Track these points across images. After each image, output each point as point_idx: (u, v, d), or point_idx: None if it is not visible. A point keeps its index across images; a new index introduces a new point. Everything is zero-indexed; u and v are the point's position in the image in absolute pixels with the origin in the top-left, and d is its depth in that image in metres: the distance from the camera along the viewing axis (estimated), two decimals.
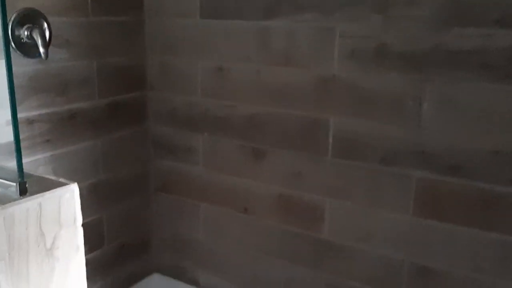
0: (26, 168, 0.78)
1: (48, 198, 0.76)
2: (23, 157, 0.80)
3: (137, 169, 1.83)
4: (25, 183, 0.76)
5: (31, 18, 1.37)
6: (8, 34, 1.17)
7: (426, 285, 1.39)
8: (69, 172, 1.56)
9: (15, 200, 0.74)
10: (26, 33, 1.35)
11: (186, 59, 1.71)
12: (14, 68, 0.79)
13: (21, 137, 0.83)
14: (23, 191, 0.75)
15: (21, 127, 1.37)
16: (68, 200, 0.78)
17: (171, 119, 1.78)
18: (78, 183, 0.82)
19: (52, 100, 1.48)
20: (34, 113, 1.44)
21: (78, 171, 1.59)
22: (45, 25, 1.41)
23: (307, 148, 1.50)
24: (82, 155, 1.60)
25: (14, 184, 0.76)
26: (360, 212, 1.45)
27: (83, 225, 0.82)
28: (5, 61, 0.78)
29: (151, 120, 1.83)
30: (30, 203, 0.75)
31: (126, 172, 1.79)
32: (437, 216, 1.34)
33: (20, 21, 1.34)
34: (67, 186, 0.79)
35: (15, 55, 1.35)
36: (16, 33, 1.34)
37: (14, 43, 1.34)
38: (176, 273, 1.91)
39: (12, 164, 0.80)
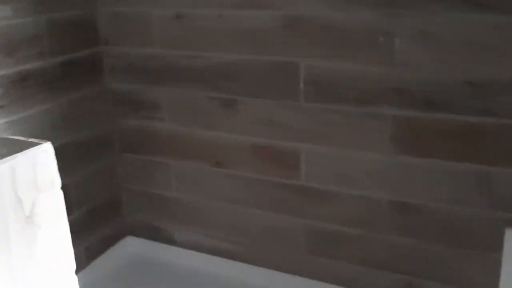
0: None
1: (21, 160, 0.68)
2: None
3: (100, 131, 1.74)
4: None
5: None
6: None
7: (406, 221, 1.42)
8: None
9: None
10: None
11: (140, 8, 1.60)
12: None
13: None
14: None
15: None
16: (43, 162, 0.71)
17: (130, 74, 1.68)
18: None
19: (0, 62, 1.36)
20: None
21: (37, 137, 1.48)
22: None
23: (279, 95, 1.46)
24: (39, 119, 1.49)
25: None
26: (337, 155, 1.44)
27: None
28: None
29: (109, 77, 1.72)
30: (1, 167, 0.67)
31: (88, 134, 1.69)
32: (414, 152, 1.35)
33: None
34: (40, 146, 0.72)
35: None
36: None
37: None
38: (151, 234, 1.86)
39: None
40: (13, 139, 0.75)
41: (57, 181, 0.75)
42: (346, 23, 1.32)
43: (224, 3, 1.46)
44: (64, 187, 0.77)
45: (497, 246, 1.32)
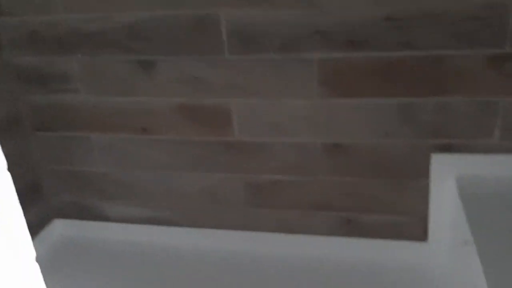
0: None
1: None
2: None
3: (6, 111, 1.57)
4: None
5: None
6: None
7: (339, 161, 1.46)
8: None
9: None
10: None
11: None
12: None
13: None
14: None
15: None
16: None
17: (33, 46, 1.53)
18: None
19: None
20: None
21: None
22: None
23: (201, 50, 1.41)
24: None
25: None
26: (267, 106, 1.43)
27: None
28: None
29: (9, 51, 1.55)
30: None
31: None
32: (342, 93, 1.37)
33: None
34: None
35: None
36: None
37: None
38: (80, 214, 1.76)
39: None
40: None
41: (2, 161, 0.65)
42: None
43: None
44: None
45: (425, 172, 1.41)
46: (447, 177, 1.39)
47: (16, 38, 1.53)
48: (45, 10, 1.47)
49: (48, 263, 1.67)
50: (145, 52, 1.45)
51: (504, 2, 1.18)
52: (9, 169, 1.54)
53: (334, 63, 1.34)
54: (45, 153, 1.69)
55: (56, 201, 1.77)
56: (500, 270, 1.03)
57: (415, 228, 1.50)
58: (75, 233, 1.79)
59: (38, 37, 1.51)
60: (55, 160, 1.69)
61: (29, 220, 1.68)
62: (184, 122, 1.52)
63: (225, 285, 1.51)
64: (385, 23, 1.26)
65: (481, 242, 1.11)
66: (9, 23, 1.51)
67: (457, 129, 1.35)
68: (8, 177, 0.66)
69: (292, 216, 1.58)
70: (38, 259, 1.62)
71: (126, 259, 1.66)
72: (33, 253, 0.65)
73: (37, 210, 1.72)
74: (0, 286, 0.56)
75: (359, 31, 1.29)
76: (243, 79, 1.41)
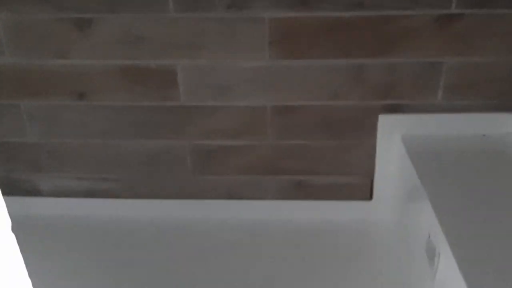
0: None
1: None
2: None
3: None
4: None
5: None
6: None
7: (289, 123, 1.45)
8: None
9: None
10: None
11: None
12: None
13: None
14: None
15: None
16: None
17: None
18: None
19: None
20: None
21: None
22: None
23: (144, 6, 1.31)
24: None
25: None
26: (216, 67, 1.38)
27: None
28: None
29: None
30: None
31: None
32: (293, 55, 1.35)
33: None
34: None
35: None
36: None
37: None
38: (10, 189, 1.61)
39: None
40: None
41: None
42: None
43: None
44: None
45: (373, 132, 1.44)
46: (393, 137, 1.43)
47: None
48: None
49: None
50: (81, 9, 1.33)
51: None
52: None
53: (285, 23, 1.30)
54: None
55: None
56: (455, 219, 1.07)
57: (362, 188, 1.54)
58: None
59: None
60: None
61: None
62: (125, 86, 1.42)
63: (174, 256, 1.46)
64: None
65: (433, 195, 1.16)
66: None
67: (403, 90, 1.38)
68: None
69: (242, 182, 1.56)
70: None
71: (64, 236, 1.55)
72: (9, 223, 0.57)
73: None
74: None
75: None
76: (190, 39, 1.34)
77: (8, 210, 1.71)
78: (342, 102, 1.41)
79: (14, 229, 0.54)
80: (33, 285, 0.60)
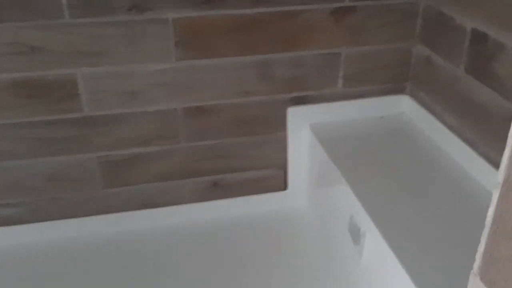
0: None
1: None
2: None
3: None
4: None
5: None
6: None
7: (201, 124, 1.43)
8: None
9: None
10: None
11: None
12: None
13: None
14: None
15: None
16: None
17: None
18: None
19: None
20: None
21: None
22: None
23: (36, 14, 1.20)
24: None
25: None
26: (120, 74, 1.31)
27: None
28: None
29: None
30: None
31: None
32: (201, 55, 1.33)
33: None
34: None
35: None
36: None
37: None
38: None
39: None
40: None
41: None
42: None
43: None
44: None
45: (283, 125, 1.49)
46: (303, 128, 1.49)
47: None
48: None
49: None
50: None
51: None
52: None
53: (190, 22, 1.29)
54: None
55: None
56: (374, 197, 1.15)
57: (277, 179, 1.58)
58: None
59: None
60: None
61: None
62: (20, 101, 1.29)
63: (95, 275, 1.37)
64: None
65: (349, 177, 1.23)
66: None
67: (308, 81, 1.44)
68: None
69: (157, 190, 1.51)
70: None
71: None
72: None
73: None
74: None
75: None
76: (90, 46, 1.26)
77: None
78: (252, 99, 1.43)
79: None
80: None
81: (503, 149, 1.19)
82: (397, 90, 1.51)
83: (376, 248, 1.10)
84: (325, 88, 1.46)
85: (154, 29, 1.27)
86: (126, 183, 1.48)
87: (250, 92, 1.42)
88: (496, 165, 1.16)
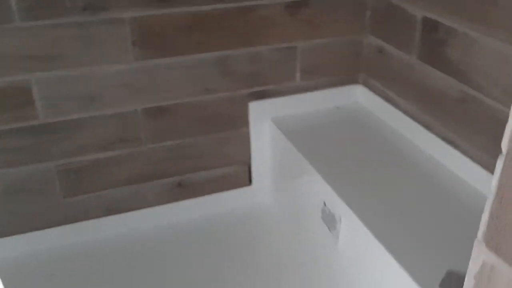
0: None
1: None
2: None
3: None
4: None
5: None
6: None
7: (163, 124, 1.41)
8: None
9: None
10: None
11: None
12: None
13: None
14: None
15: None
16: None
17: None
18: None
19: None
20: None
21: None
22: None
23: None
24: None
25: None
26: (76, 77, 1.26)
27: None
28: None
29: None
30: None
31: None
32: (159, 53, 1.31)
33: None
34: None
35: None
36: None
37: None
38: None
39: None
40: None
41: None
42: None
43: None
44: None
45: (245, 120, 1.50)
46: (265, 122, 1.50)
47: None
48: None
49: None
50: None
51: None
52: None
53: (147, 21, 1.26)
54: None
55: None
56: (345, 182, 1.19)
57: (241, 175, 1.59)
58: None
59: None
60: None
61: None
62: None
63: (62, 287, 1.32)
64: None
65: (318, 165, 1.26)
66: None
67: (267, 76, 1.46)
68: None
69: (121, 194, 1.47)
70: None
71: None
72: None
73: None
74: None
75: None
76: (43, 49, 1.20)
77: None
78: (213, 96, 1.43)
79: None
80: None
81: (459, 128, 1.27)
82: (351, 80, 1.56)
83: (352, 231, 1.14)
84: (284, 81, 1.48)
85: (111, 30, 1.23)
86: (88, 190, 1.42)
87: (211, 89, 1.41)
88: (453, 144, 1.24)
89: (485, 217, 0.55)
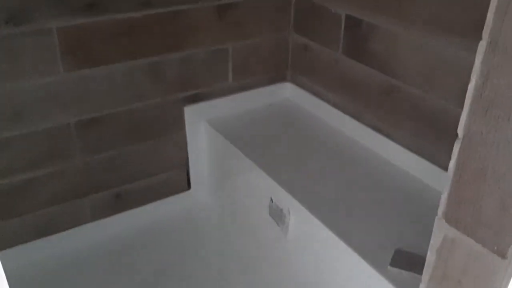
0: None
1: None
2: None
3: None
4: None
5: None
6: None
7: (97, 136, 1.37)
8: None
9: None
10: None
11: None
12: None
13: None
14: None
15: None
16: None
17: None
18: None
19: None
20: None
21: None
22: None
23: None
24: None
25: None
26: (2, 92, 1.18)
27: None
28: None
29: None
30: None
31: None
32: (89, 63, 1.27)
33: None
34: None
35: None
36: None
37: None
38: None
39: None
40: None
41: None
42: None
43: None
44: None
45: (181, 125, 1.50)
46: (200, 124, 1.51)
47: None
48: None
49: None
50: None
51: None
52: None
53: (76, 30, 1.21)
54: None
55: None
56: (289, 177, 1.23)
57: (179, 180, 1.58)
58: None
59: None
60: None
61: None
62: None
63: None
64: None
65: (261, 163, 1.29)
66: None
67: (200, 79, 1.46)
68: None
69: (54, 213, 1.39)
70: None
71: None
72: None
73: None
74: None
75: None
76: None
77: None
78: (146, 102, 1.41)
79: None
80: None
81: (386, 117, 1.36)
82: (280, 78, 1.62)
83: (301, 223, 1.18)
84: (217, 83, 1.50)
85: (37, 41, 1.17)
86: (17, 213, 1.34)
87: (144, 96, 1.39)
88: (382, 132, 1.33)
89: (444, 196, 0.61)
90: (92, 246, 1.46)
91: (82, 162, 1.38)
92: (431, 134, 1.20)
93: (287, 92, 1.64)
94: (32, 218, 1.37)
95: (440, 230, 0.63)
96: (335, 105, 1.48)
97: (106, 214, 1.49)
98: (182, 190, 1.60)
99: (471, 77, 0.54)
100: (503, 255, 0.54)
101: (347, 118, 1.43)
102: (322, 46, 1.46)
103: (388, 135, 1.32)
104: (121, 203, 1.50)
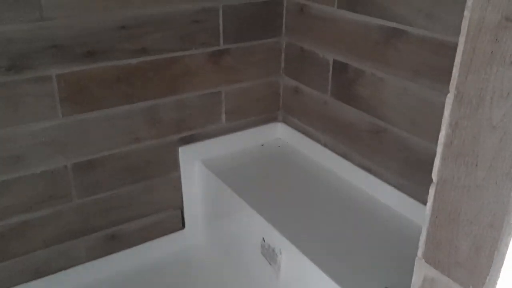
0: None
1: None
2: None
3: None
4: None
5: None
6: None
7: (93, 178, 1.40)
8: None
9: None
10: None
11: None
12: None
13: None
14: None
15: None
16: None
17: None
18: None
19: None
20: None
21: None
22: None
23: None
24: None
25: None
26: (2, 137, 1.22)
27: None
28: None
29: None
30: None
31: None
32: (87, 108, 1.31)
33: None
34: None
35: None
36: None
37: None
38: None
39: None
40: None
41: None
42: None
43: None
44: None
45: (176, 165, 1.54)
46: (194, 165, 1.55)
47: None
48: None
49: None
50: None
51: (215, 6, 1.40)
52: None
53: (75, 77, 1.27)
54: None
55: None
56: (281, 216, 1.27)
57: (174, 220, 1.60)
58: None
59: None
60: None
61: None
62: None
63: None
64: (120, 32, 1.29)
65: (254, 203, 1.33)
66: None
67: (194, 121, 1.51)
68: None
69: (51, 254, 1.41)
70: None
71: None
72: None
73: None
74: None
75: (95, 42, 1.26)
76: None
77: None
78: (142, 144, 1.45)
79: None
80: None
81: (373, 156, 1.41)
82: (272, 118, 1.67)
83: (293, 262, 1.21)
84: (210, 124, 1.55)
85: (37, 87, 1.22)
86: (14, 254, 1.36)
87: (140, 138, 1.44)
88: (371, 171, 1.38)
89: (422, 237, 0.65)
90: (88, 286, 1.46)
91: (78, 204, 1.41)
92: (417, 173, 1.24)
93: (279, 132, 1.69)
94: (29, 259, 1.38)
95: (421, 270, 0.66)
96: (325, 145, 1.52)
97: (101, 254, 1.50)
98: (177, 229, 1.62)
99: (441, 126, 0.59)
100: None
101: (337, 157, 1.48)
102: (311, 89, 1.52)
103: (376, 174, 1.36)
104: (116, 243, 1.52)
